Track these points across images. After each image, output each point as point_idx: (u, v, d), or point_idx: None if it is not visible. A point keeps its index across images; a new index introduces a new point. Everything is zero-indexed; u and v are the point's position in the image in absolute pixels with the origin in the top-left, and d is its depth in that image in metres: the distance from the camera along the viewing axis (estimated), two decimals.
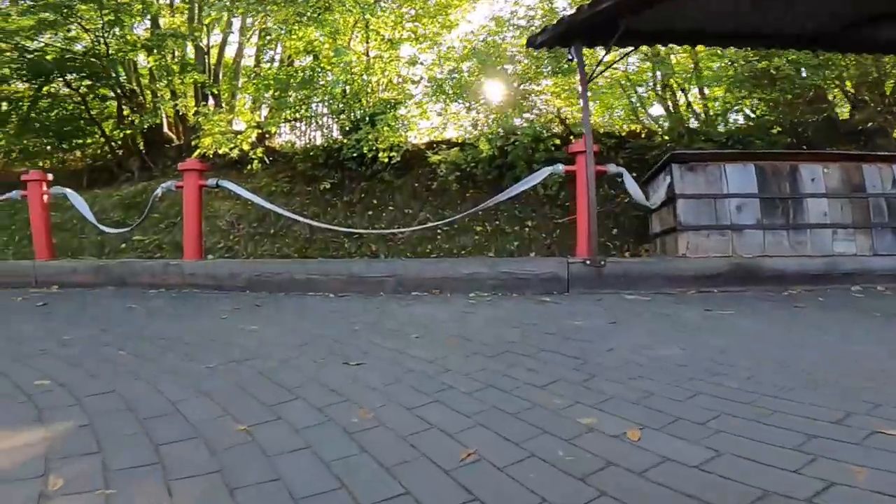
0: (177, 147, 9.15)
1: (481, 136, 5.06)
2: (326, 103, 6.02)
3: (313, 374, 1.75)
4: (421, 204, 5.37)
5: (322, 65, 6.42)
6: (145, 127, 8.74)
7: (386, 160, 5.36)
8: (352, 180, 5.91)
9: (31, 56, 6.92)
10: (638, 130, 6.18)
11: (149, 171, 8.07)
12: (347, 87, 6.17)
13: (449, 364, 1.85)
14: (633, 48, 4.36)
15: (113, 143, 9.00)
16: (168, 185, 3.88)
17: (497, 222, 4.78)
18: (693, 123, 6.96)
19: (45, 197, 4.06)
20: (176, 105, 8.89)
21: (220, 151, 5.68)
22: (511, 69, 6.12)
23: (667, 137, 5.33)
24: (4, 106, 8.23)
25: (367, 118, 5.67)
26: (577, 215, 3.45)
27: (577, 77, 4.44)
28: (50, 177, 4.13)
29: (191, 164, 3.82)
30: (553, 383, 1.64)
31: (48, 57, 7.07)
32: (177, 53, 8.35)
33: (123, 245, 5.00)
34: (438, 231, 4.74)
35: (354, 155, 5.35)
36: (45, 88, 7.85)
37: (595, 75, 4.09)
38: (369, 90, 6.46)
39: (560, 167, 3.52)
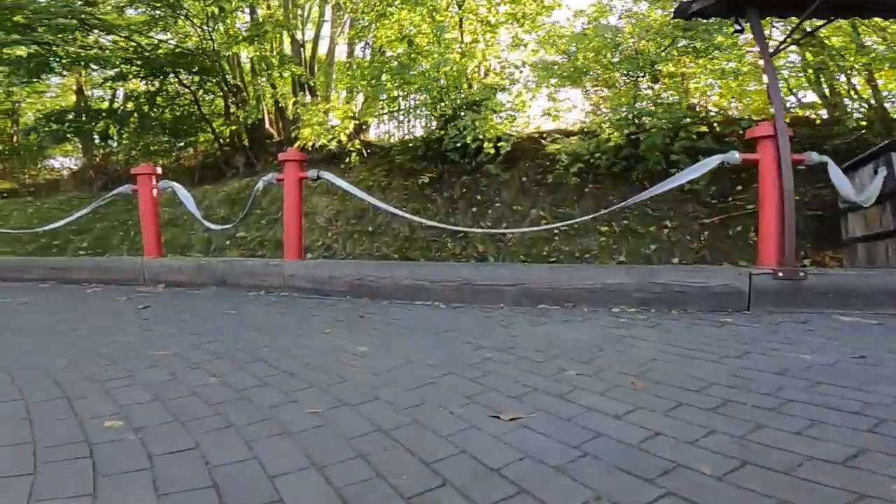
0: (277, 143, 9.30)
1: (605, 122, 4.34)
2: (424, 91, 5.58)
3: (456, 436, 1.22)
4: (531, 200, 4.76)
5: (418, 51, 6.03)
6: (249, 123, 9.01)
7: (491, 151, 4.82)
8: (452, 174, 5.43)
9: (147, 53, 7.24)
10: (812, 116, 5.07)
11: (252, 167, 8.24)
12: (445, 74, 5.72)
13: (651, 423, 1.24)
14: (825, 21, 3.41)
15: (220, 140, 9.37)
16: (269, 178, 3.62)
17: (626, 222, 4.05)
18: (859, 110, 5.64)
19: (154, 192, 4.00)
20: (275, 96, 9.04)
21: (319, 143, 5.48)
22: (635, 45, 5.29)
23: (862, 124, 4.23)
24: (129, 105, 8.75)
25: (469, 106, 5.16)
26: (761, 214, 2.66)
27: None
28: (159, 170, 4.07)
29: (291, 154, 3.53)
30: (857, 457, 0.96)
31: (160, 52, 7.38)
32: (274, 46, 8.49)
33: (228, 242, 4.93)
34: (555, 232, 4.11)
35: (457, 145, 4.85)
36: (161, 86, 8.23)
37: (782, 48, 3.23)
38: (469, 76, 5.95)
39: (736, 155, 2.73)
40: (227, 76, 8.47)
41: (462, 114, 5.02)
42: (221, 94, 9.02)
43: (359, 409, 1.40)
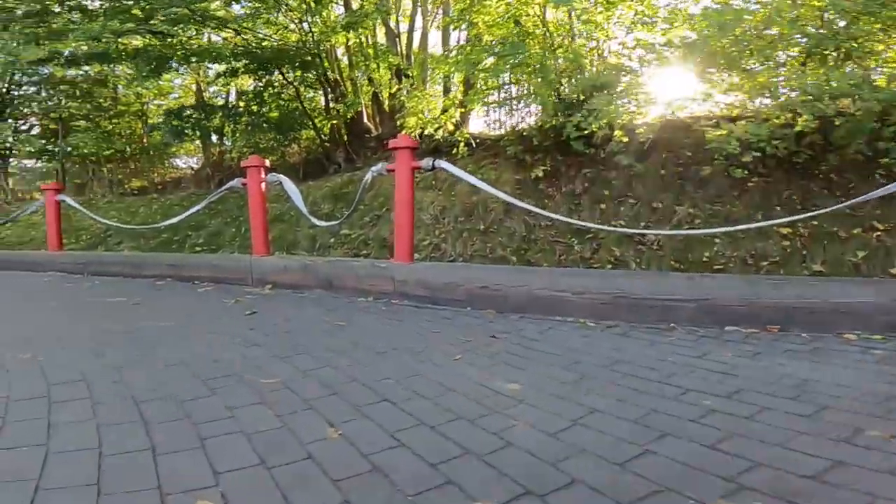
0: (376, 138, 9.19)
1: (783, 105, 3.45)
2: (540, 74, 4.97)
3: None
4: (674, 195, 3.97)
5: (526, 31, 5.43)
6: (348, 117, 8.99)
7: (624, 139, 4.10)
8: (571, 166, 4.78)
9: (254, 49, 7.38)
10: None
11: (352, 162, 8.16)
12: (563, 54, 5.07)
13: None
14: None
15: (321, 136, 9.46)
16: (378, 169, 3.25)
17: (815, 222, 3.15)
18: None
19: (263, 185, 3.82)
20: (374, 88, 8.91)
21: (426, 132, 5.10)
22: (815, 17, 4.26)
23: None
24: (240, 103, 9.06)
25: (596, 89, 4.47)
26: None
27: None
28: (268, 163, 3.89)
29: (402, 140, 3.13)
30: None
31: (265, 44, 7.49)
32: (371, 37, 8.36)
33: (332, 240, 4.70)
34: (716, 235, 3.32)
35: (584, 133, 4.19)
36: (267, 82, 8.42)
37: None
38: (590, 56, 5.24)
39: None
40: (326, 71, 8.49)
41: (588, 98, 4.35)
42: (321, 88, 9.10)
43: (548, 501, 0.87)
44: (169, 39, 7.09)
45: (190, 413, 1.36)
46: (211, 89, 10.62)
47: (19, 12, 6.72)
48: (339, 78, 9.00)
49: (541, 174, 4.84)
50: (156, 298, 3.27)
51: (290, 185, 3.77)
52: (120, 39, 6.92)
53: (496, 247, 4.06)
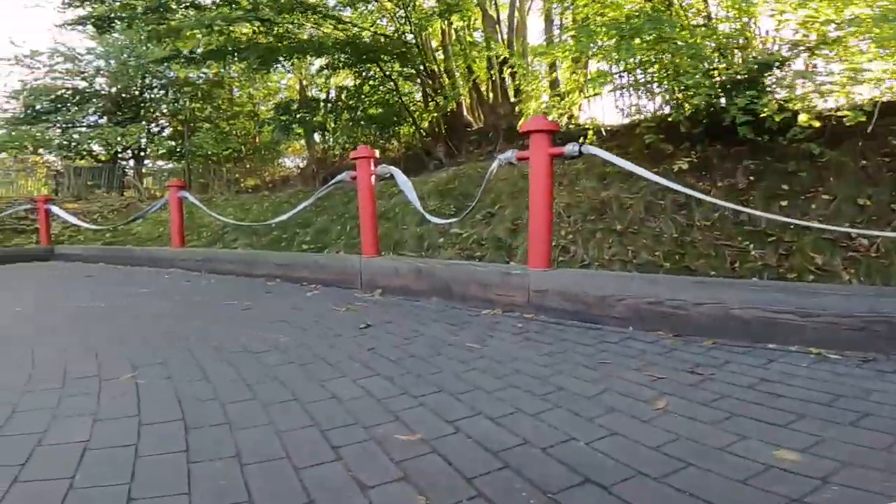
0: (478, 131, 8.74)
1: None
2: (691, 50, 4.16)
3: None
4: (888, 190, 3.03)
5: (657, 7, 4.61)
6: (448, 110, 8.64)
7: (815, 123, 3.25)
8: (725, 157, 3.95)
9: (353, 40, 7.26)
10: None
11: (453, 157, 7.78)
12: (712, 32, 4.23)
13: None
14: None
15: (421, 130, 9.21)
16: (507, 157, 2.74)
17: None
18: None
19: (373, 178, 3.50)
20: (475, 78, 8.48)
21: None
22: None
23: None
24: (342, 97, 9.08)
25: (765, 67, 3.63)
26: None
27: None
28: (377, 154, 3.55)
29: (538, 122, 2.59)
30: None
31: (364, 34, 7.34)
32: (468, 27, 7.95)
33: (441, 239, 4.30)
34: None
35: (755, 117, 3.37)
36: (365, 76, 8.32)
37: None
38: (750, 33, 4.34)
39: None
40: (423, 62, 8.21)
41: (759, 76, 3.53)
42: (419, 81, 8.85)
43: None
44: (275, 28, 7.21)
45: (311, 497, 0.93)
46: (313, 90, 10.89)
47: (139, 9, 7.16)
48: (436, 69, 8.69)
49: (685, 166, 4.07)
50: (266, 303, 3.05)
51: (401, 178, 3.40)
52: (231, 28, 7.15)
53: (640, 250, 3.38)
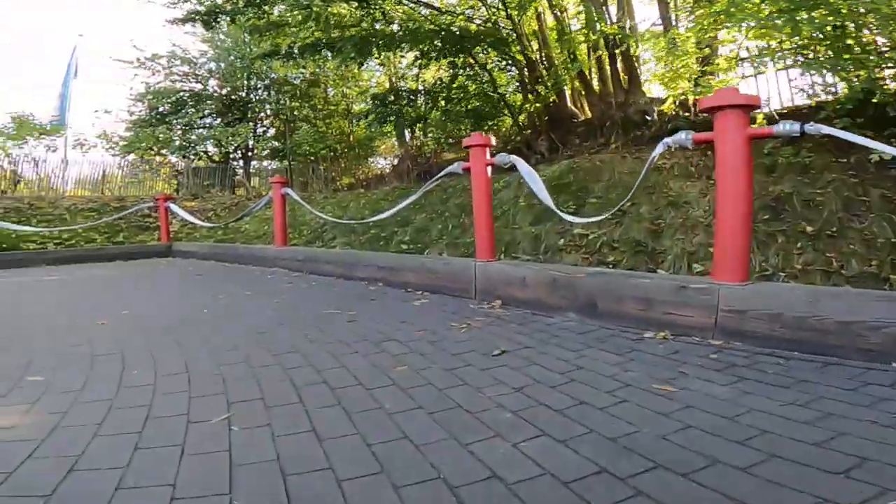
0: (584, 122, 7.98)
1: None
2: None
3: None
4: None
5: None
6: (550, 100, 7.96)
7: None
8: None
9: (446, 30, 6.83)
10: None
11: (556, 151, 7.12)
12: None
13: None
14: None
15: (520, 123, 8.62)
16: (679, 140, 2.11)
17: None
18: None
19: (489, 168, 3.01)
20: (580, 66, 7.73)
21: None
22: None
23: None
24: (435, 88, 8.74)
25: None
26: None
27: None
28: (493, 141, 3.07)
29: (728, 95, 1.93)
30: None
31: (457, 22, 6.88)
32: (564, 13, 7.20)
33: (561, 241, 3.71)
34: None
35: None
36: (460, 66, 7.89)
37: None
38: None
39: None
40: (523, 50, 7.59)
41: None
42: (516, 71, 8.27)
43: None
44: (370, 14, 7.00)
45: None
46: (402, 85, 10.70)
47: (241, 3, 7.28)
48: (535, 58, 8.05)
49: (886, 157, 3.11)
50: (371, 313, 2.68)
51: (525, 168, 2.88)
52: (329, 9, 7.05)
53: (846, 258, 2.56)
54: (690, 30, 4.30)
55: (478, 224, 3.05)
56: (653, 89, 7.29)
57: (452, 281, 3.05)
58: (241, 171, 13.09)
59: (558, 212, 2.72)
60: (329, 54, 8.25)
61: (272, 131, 13.01)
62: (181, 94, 12.20)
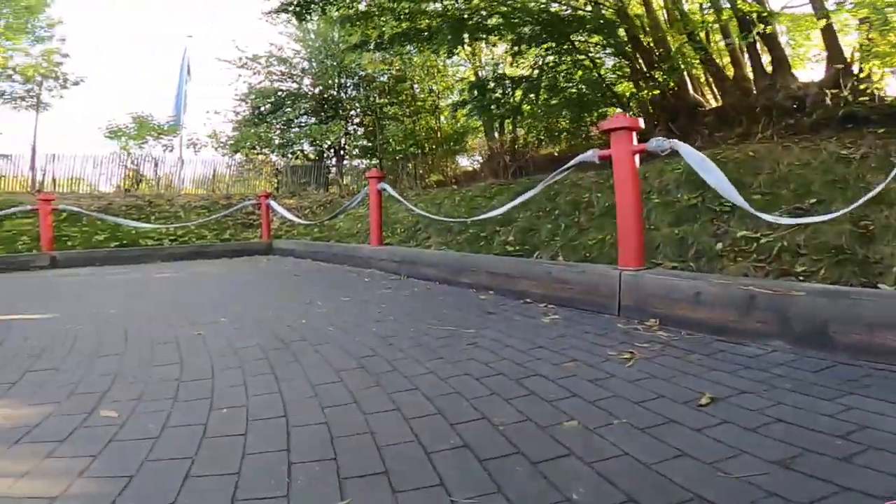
0: (714, 111, 6.95)
1: None
2: None
3: None
4: None
5: None
6: (670, 87, 7.04)
7: None
8: None
9: (542, 16, 6.17)
10: None
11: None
12: None
13: None
14: None
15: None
16: None
17: None
18: None
19: (636, 157, 2.41)
20: (707, 50, 6.76)
21: None
22: None
23: None
24: (534, 74, 8.11)
25: None
26: None
27: None
28: (641, 123, 2.45)
29: None
30: None
31: (554, 9, 6.19)
32: None
33: (719, 245, 2.99)
34: None
35: None
36: (558, 53, 7.19)
37: None
38: None
39: None
40: (632, 35, 6.74)
41: None
42: (622, 57, 7.40)
43: None
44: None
45: None
46: (498, 73, 10.12)
47: None
48: (649, 41, 7.13)
49: None
50: (494, 332, 2.19)
51: (695, 155, 2.24)
52: None
53: None
54: None
55: (623, 225, 2.45)
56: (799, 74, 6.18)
57: (587, 293, 2.49)
58: (334, 169, 13.34)
59: (758, 213, 2.05)
60: (412, 47, 8.00)
61: (361, 130, 13.12)
62: (279, 93, 12.63)
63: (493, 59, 11.35)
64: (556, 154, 9.31)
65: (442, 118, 13.25)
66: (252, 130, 12.16)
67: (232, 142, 12.67)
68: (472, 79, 11.74)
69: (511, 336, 2.08)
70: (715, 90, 7.26)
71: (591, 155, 2.66)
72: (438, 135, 12.68)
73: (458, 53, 9.49)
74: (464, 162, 13.32)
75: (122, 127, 12.02)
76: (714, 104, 7.12)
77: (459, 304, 2.83)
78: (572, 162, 2.75)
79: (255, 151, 12.80)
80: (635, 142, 2.47)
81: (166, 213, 8.75)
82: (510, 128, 9.78)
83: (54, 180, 11.68)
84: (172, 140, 12.39)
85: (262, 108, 12.49)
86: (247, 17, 40.59)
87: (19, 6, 11.91)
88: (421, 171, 12.04)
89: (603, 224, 3.89)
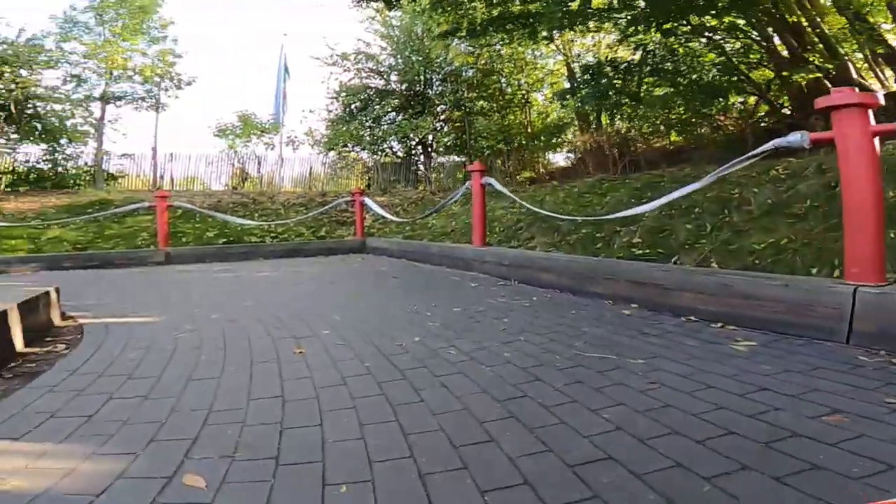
0: (892, 95, 5.71)
1: None
2: None
3: None
4: None
5: None
6: (830, 71, 5.90)
7: None
8: None
9: None
10: None
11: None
12: None
13: None
14: None
15: (773, 102, 6.62)
16: None
17: None
18: None
19: (875, 140, 1.72)
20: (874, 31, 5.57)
21: None
22: None
23: None
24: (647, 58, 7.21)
25: None
26: None
27: None
28: (880, 98, 1.76)
29: None
30: None
31: None
32: None
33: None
34: None
35: None
36: (673, 33, 6.25)
37: None
38: None
39: None
40: (777, 13, 5.65)
41: None
42: (760, 38, 6.30)
43: None
44: None
45: None
46: (613, 57, 9.25)
47: None
48: (804, 21, 5.97)
49: None
50: (671, 365, 1.63)
51: None
52: None
53: None
54: None
55: (852, 224, 1.77)
56: None
57: (794, 313, 1.84)
58: (422, 166, 13.17)
59: None
60: (505, 34, 7.44)
61: (448, 126, 12.81)
62: (368, 90, 12.65)
63: (585, 48, 10.50)
64: (669, 147, 8.32)
65: (533, 112, 12.57)
66: (344, 128, 12.28)
67: (326, 139, 12.90)
68: (564, 71, 10.96)
69: (702, 371, 1.52)
70: (882, 74, 5.98)
71: (800, 138, 1.99)
72: (529, 129, 12.04)
73: (553, 41, 8.81)
74: (554, 158, 12.57)
75: (229, 126, 12.62)
76: (879, 88, 5.84)
77: (599, 320, 2.29)
78: (767, 146, 2.10)
79: (347, 149, 12.95)
80: (873, 121, 1.79)
81: (268, 211, 9.00)
82: (606, 120, 8.92)
83: (172, 179, 12.60)
84: (273, 138, 12.84)
85: (353, 106, 12.58)
86: (335, 15, 41.76)
87: (134, 6, 12.83)
88: (511, 168, 11.48)
89: (770, 225, 3.13)
